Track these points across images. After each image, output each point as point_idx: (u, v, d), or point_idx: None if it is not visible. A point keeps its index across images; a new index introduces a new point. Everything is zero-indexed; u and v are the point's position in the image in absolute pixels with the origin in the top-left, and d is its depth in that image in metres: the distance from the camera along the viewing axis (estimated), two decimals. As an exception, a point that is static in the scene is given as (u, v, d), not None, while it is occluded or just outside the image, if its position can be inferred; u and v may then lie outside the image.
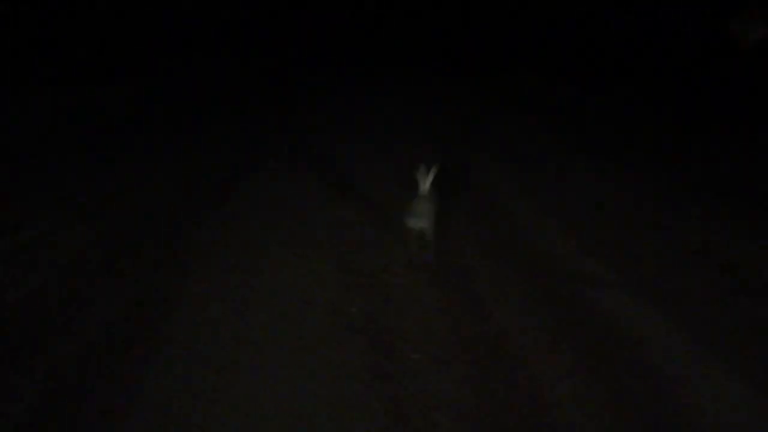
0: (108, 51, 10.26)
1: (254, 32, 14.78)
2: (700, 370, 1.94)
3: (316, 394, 1.78)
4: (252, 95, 8.22)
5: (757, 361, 2.00)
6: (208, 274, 2.65)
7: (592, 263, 2.83)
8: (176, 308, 2.32)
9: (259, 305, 2.35)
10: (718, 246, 3.07)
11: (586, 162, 4.85)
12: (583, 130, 6.17)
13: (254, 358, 1.97)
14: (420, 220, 2.52)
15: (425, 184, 2.62)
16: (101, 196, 3.75)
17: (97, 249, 2.93)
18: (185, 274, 2.64)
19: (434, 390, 1.82)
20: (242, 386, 1.81)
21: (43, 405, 1.72)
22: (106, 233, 3.14)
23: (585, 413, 1.72)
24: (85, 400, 1.75)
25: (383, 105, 7.65)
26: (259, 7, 16.34)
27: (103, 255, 2.86)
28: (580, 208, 3.68)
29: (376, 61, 12.08)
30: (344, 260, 2.81)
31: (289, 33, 15.64)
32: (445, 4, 17.87)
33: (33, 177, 4.20)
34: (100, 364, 1.94)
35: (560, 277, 2.67)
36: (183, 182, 4.12)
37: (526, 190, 4.05)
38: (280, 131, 5.89)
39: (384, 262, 2.78)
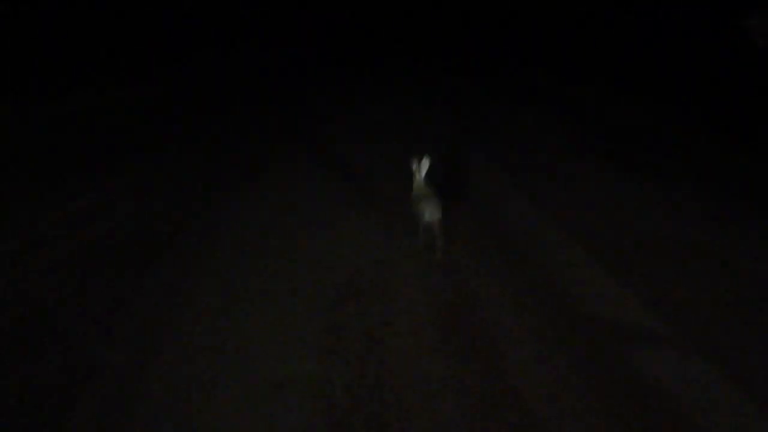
0: (107, 53, 9.66)
1: (263, 30, 14.15)
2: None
3: None
4: (264, 94, 7.62)
5: None
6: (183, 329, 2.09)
7: (638, 309, 2.26)
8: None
9: (225, 380, 1.79)
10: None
11: (609, 171, 4.25)
12: (608, 134, 5.57)
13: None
14: (432, 214, 2.54)
15: (420, 174, 2.67)
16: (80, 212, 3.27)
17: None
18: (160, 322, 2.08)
19: None
20: None
21: None
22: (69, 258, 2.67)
23: None
24: None
25: (392, 104, 7.07)
26: (268, 7, 15.67)
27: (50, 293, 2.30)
28: (613, 233, 3.09)
29: (384, 59, 11.49)
30: (332, 311, 2.24)
31: (298, 30, 14.95)
32: (452, 4, 17.10)
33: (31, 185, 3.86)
34: None
35: (602, 332, 2.10)
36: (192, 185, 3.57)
37: (551, 210, 3.46)
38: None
39: (381, 309, 2.22)
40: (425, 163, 2.68)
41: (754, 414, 1.66)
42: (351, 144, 4.95)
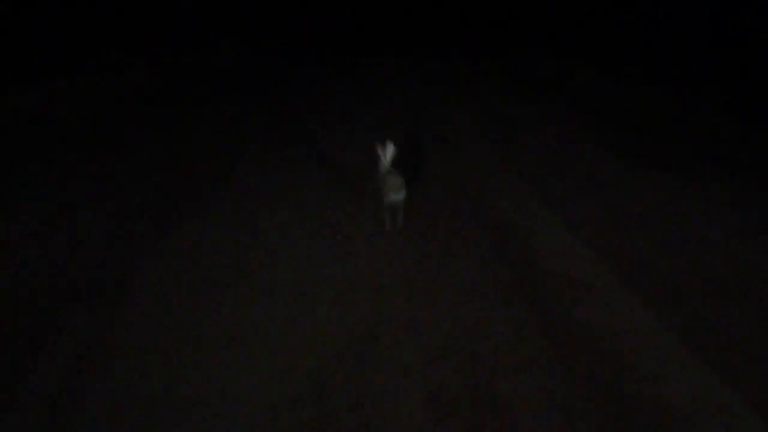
0: (104, 44, 8.57)
1: (262, 29, 12.92)
2: None
3: None
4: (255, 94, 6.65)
5: None
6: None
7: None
8: None
9: None
10: None
11: (630, 169, 3.48)
12: (628, 129, 4.72)
13: None
14: (398, 194, 2.47)
15: (386, 159, 2.52)
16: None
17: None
18: None
19: None
20: None
21: None
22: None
23: None
24: None
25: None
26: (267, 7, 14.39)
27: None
28: (649, 251, 2.30)
29: (384, 58, 10.21)
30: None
31: (297, 30, 13.64)
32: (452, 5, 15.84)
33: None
34: None
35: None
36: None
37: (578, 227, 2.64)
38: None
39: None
40: (390, 148, 2.54)
41: None
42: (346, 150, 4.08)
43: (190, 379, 1.65)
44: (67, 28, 8.53)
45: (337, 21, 14.57)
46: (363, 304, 2.04)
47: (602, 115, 4.99)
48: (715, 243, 2.58)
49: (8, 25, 7.69)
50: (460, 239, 2.59)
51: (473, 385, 1.63)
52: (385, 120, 4.78)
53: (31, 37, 7.76)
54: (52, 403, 1.56)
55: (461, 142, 4.21)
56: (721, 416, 1.52)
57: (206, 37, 10.98)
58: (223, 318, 1.95)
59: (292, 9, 14.93)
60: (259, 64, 8.52)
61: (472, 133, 4.46)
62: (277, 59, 8.94)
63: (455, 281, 2.20)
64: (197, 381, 1.64)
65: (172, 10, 11.19)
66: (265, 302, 2.05)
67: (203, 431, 1.45)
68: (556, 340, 1.85)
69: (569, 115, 5.03)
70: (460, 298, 2.09)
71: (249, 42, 11.07)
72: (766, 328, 1.93)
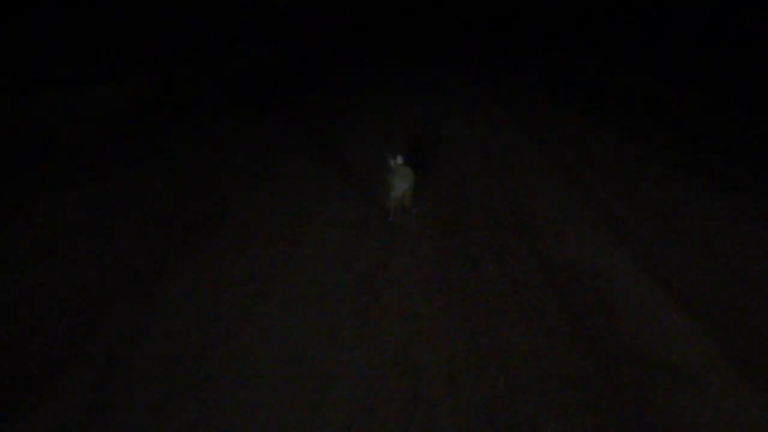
0: (111, 48, 8.10)
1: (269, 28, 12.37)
2: None
3: None
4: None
5: None
6: None
7: None
8: None
9: None
10: None
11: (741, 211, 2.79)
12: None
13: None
14: (403, 182, 2.56)
15: (395, 163, 2.58)
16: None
17: None
18: None
19: None
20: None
21: None
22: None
23: None
24: None
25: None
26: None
27: None
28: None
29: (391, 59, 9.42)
30: None
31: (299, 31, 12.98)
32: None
33: None
34: None
35: None
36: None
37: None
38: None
39: None
40: (399, 159, 2.60)
41: None
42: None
43: None
44: (59, 28, 8.06)
45: (346, 20, 13.87)
46: (391, 424, 1.42)
47: (679, 134, 4.26)
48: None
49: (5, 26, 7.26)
50: (517, 300, 1.96)
51: None
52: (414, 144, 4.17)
53: (24, 40, 7.30)
54: None
55: (522, 170, 3.59)
56: None
57: (206, 37, 10.49)
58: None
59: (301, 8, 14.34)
60: (267, 67, 7.97)
61: (531, 155, 3.84)
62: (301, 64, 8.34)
63: (516, 377, 1.58)
64: None
65: (172, 10, 10.69)
66: (255, 410, 1.45)
67: None
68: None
69: (644, 134, 4.33)
70: (524, 405, 1.46)
71: (258, 43, 10.56)
72: None
